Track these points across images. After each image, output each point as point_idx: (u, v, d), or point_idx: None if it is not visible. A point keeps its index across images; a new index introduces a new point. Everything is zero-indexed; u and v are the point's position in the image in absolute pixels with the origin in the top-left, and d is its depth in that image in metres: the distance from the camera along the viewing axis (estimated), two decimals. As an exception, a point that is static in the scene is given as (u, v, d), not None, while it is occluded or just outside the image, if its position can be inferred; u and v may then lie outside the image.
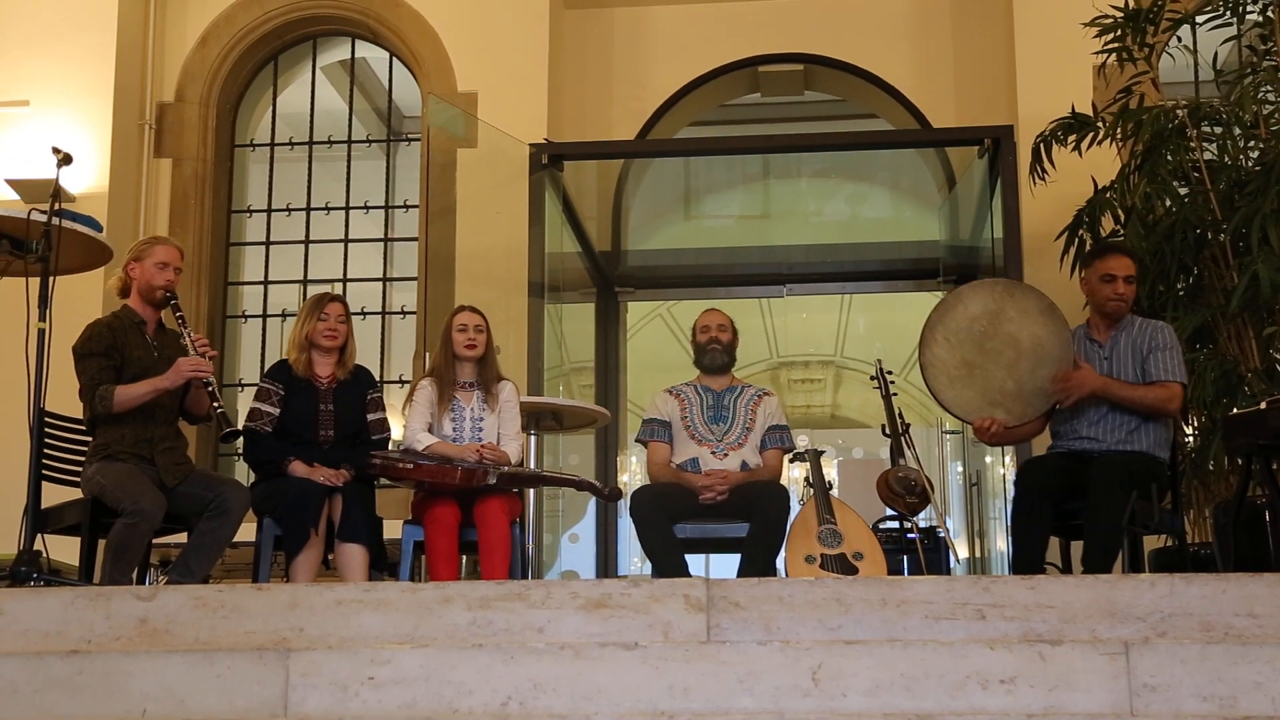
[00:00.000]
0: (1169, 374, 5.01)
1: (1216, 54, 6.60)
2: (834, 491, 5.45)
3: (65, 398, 4.86)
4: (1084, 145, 6.55)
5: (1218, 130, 6.33)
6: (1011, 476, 6.48)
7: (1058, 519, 5.09)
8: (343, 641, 3.34)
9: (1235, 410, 5.29)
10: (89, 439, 4.89)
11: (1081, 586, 3.31)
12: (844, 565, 5.09)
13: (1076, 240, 6.50)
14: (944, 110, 8.41)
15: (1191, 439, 6.31)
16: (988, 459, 8.28)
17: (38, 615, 3.43)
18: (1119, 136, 6.45)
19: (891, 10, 8.62)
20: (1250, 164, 6.23)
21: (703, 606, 3.30)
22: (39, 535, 4.54)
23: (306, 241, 8.58)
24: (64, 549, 5.01)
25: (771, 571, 5.25)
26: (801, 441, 5.90)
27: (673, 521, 5.28)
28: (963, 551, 8.33)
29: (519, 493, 5.43)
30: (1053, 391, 5.01)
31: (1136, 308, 6.16)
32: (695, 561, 5.55)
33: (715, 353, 5.69)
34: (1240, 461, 5.09)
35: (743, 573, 5.16)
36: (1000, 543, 7.94)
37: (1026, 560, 4.89)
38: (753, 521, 5.24)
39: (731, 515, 5.34)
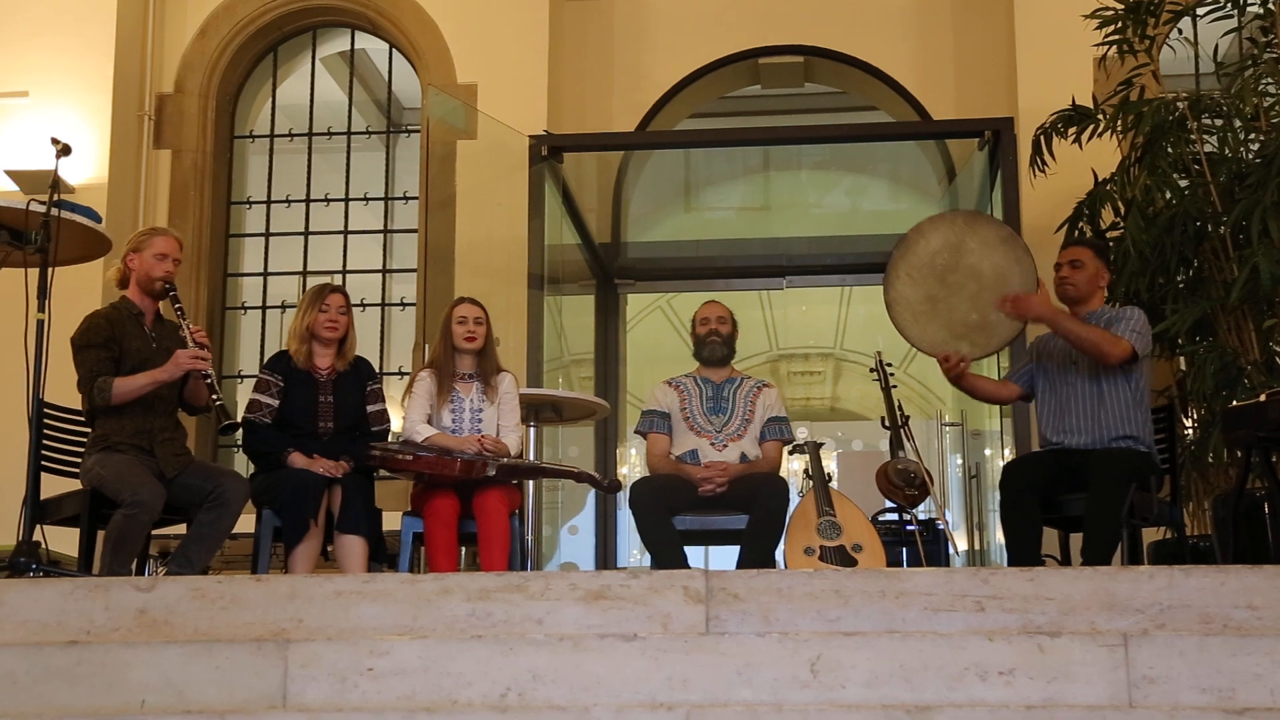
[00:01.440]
0: (1124, 334, 4.98)
1: (1217, 46, 6.59)
2: (833, 483, 5.45)
3: (64, 389, 4.86)
4: (1084, 137, 6.54)
5: (1218, 123, 6.32)
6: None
7: (1053, 510, 5.10)
8: (342, 633, 3.33)
9: (1235, 403, 5.29)
10: (88, 430, 4.89)
11: (1080, 578, 3.31)
12: (843, 557, 5.09)
13: (1076, 232, 6.50)
14: (944, 102, 8.40)
15: (1191, 431, 6.31)
16: (987, 451, 8.29)
17: (37, 606, 3.43)
18: (1119, 129, 6.45)
19: (892, 2, 8.62)
20: (1251, 156, 6.23)
21: (701, 598, 3.29)
22: (38, 526, 4.55)
23: (306, 233, 8.58)
24: (63, 540, 5.02)
25: (771, 563, 5.25)
26: (801, 433, 5.90)
27: (672, 513, 5.28)
28: (962, 544, 8.33)
29: (518, 484, 5.44)
30: (1005, 312, 5.02)
31: (1136, 301, 6.17)
32: (694, 553, 5.56)
33: (715, 345, 5.69)
34: (1240, 454, 5.09)
35: (742, 565, 5.16)
36: (999, 535, 7.94)
37: (1023, 559, 4.90)
38: (752, 513, 5.24)
39: (731, 507, 5.34)
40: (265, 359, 6.01)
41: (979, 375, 5.19)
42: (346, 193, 8.60)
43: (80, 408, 4.91)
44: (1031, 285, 5.05)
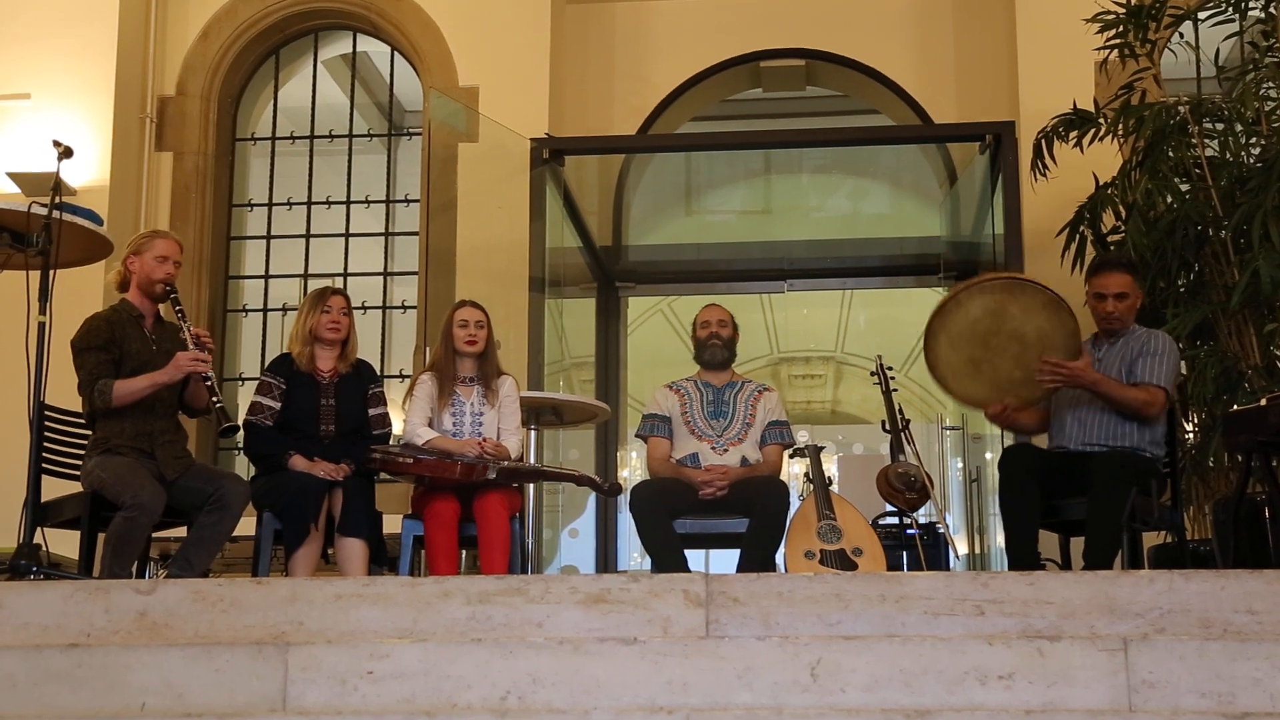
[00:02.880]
0: (1153, 377, 5.01)
1: (1218, 50, 6.59)
2: (834, 487, 5.45)
3: (65, 391, 4.87)
4: (1085, 141, 6.54)
5: (1219, 127, 6.32)
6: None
7: (1053, 514, 5.10)
8: (342, 636, 3.33)
9: (1235, 407, 5.29)
10: (89, 433, 4.90)
11: (1080, 583, 3.30)
12: (843, 561, 5.09)
13: (1078, 237, 6.50)
14: (945, 106, 8.40)
15: (1191, 435, 6.31)
16: (988, 455, 8.28)
17: (37, 609, 3.43)
18: (1120, 133, 6.44)
19: (893, 5, 8.62)
20: (1252, 160, 6.22)
21: (702, 602, 3.30)
22: (39, 529, 4.55)
23: (307, 236, 8.58)
24: (64, 542, 5.02)
25: (771, 567, 5.25)
26: (802, 437, 5.90)
27: (672, 517, 5.28)
28: (962, 547, 8.32)
29: (519, 488, 5.44)
30: (1046, 379, 5.00)
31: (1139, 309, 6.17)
32: (695, 557, 5.55)
33: (715, 348, 5.69)
34: (1240, 458, 5.09)
35: (742, 568, 5.16)
36: (1000, 539, 7.93)
37: (1020, 544, 4.90)
38: (752, 517, 5.24)
39: (731, 511, 5.34)
40: (266, 362, 6.02)
41: (1019, 411, 5.18)
42: (348, 195, 8.61)
43: (81, 410, 4.91)
44: (1075, 347, 5.01)
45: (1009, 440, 7.08)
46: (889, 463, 5.64)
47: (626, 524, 7.83)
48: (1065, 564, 5.37)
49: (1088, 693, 2.99)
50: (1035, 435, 5.61)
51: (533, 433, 6.32)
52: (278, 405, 5.18)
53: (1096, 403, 5.06)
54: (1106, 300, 5.13)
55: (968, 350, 5.08)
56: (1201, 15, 6.57)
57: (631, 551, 9.09)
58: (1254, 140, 6.29)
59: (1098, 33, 6.53)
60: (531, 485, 6.25)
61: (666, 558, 5.19)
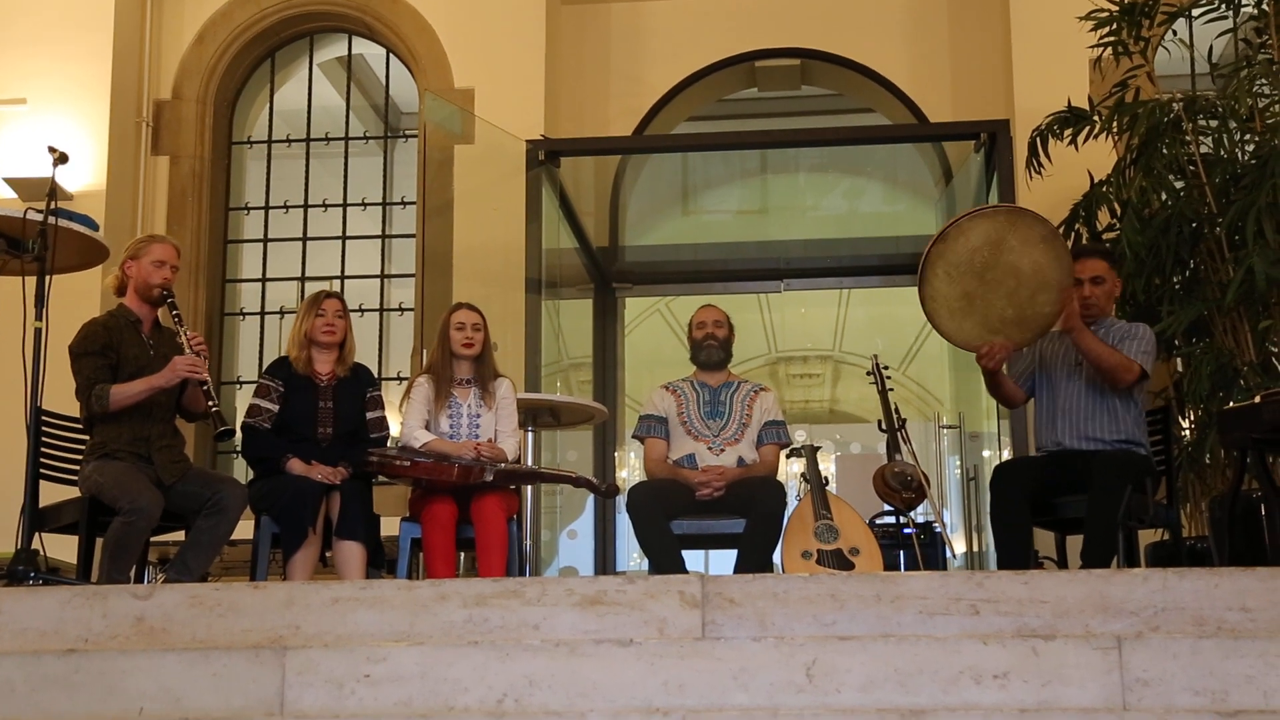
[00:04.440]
0: (1132, 354, 5.02)
1: (1212, 48, 6.60)
2: (831, 487, 5.46)
3: (62, 397, 4.87)
4: (1080, 139, 6.55)
5: (1213, 124, 6.33)
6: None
7: (1049, 513, 5.11)
8: (339, 639, 3.35)
9: (1231, 404, 5.30)
10: (86, 438, 4.90)
11: (1074, 581, 3.32)
12: (840, 561, 5.10)
13: (1073, 234, 6.51)
14: (940, 105, 8.41)
15: (1187, 433, 6.31)
16: (985, 453, 8.29)
17: (35, 614, 3.44)
18: (1115, 130, 6.45)
19: (888, 5, 8.63)
20: (1246, 157, 6.23)
21: (698, 603, 3.31)
22: (36, 534, 4.55)
23: (304, 239, 8.59)
24: (62, 547, 5.02)
25: (768, 567, 5.26)
26: (799, 436, 5.91)
27: (670, 518, 5.29)
28: (960, 546, 8.33)
29: (516, 490, 5.45)
30: (1052, 314, 4.99)
31: (1132, 303, 6.18)
32: (693, 557, 5.57)
33: (711, 349, 5.70)
34: (1236, 455, 5.10)
35: (739, 569, 5.17)
36: (996, 537, 7.95)
37: (1012, 559, 4.91)
38: (749, 517, 5.25)
39: (728, 511, 5.35)
40: (264, 365, 6.03)
41: (1007, 356, 5.17)
42: (344, 198, 8.61)
43: (78, 415, 4.92)
44: (1069, 282, 5.01)
45: (1007, 440, 7.09)
46: (886, 462, 5.65)
47: (625, 525, 7.83)
48: (1062, 562, 5.38)
49: (1082, 692, 3.00)
50: (1008, 406, 5.61)
51: (530, 434, 6.33)
52: (276, 408, 5.19)
53: (1094, 404, 5.06)
54: (1083, 285, 5.15)
55: (963, 284, 5.04)
56: (1195, 12, 6.57)
57: (630, 552, 9.10)
58: (1248, 137, 6.30)
59: (1091, 30, 6.54)
60: (529, 487, 6.25)
61: (664, 559, 5.20)
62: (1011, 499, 5.00)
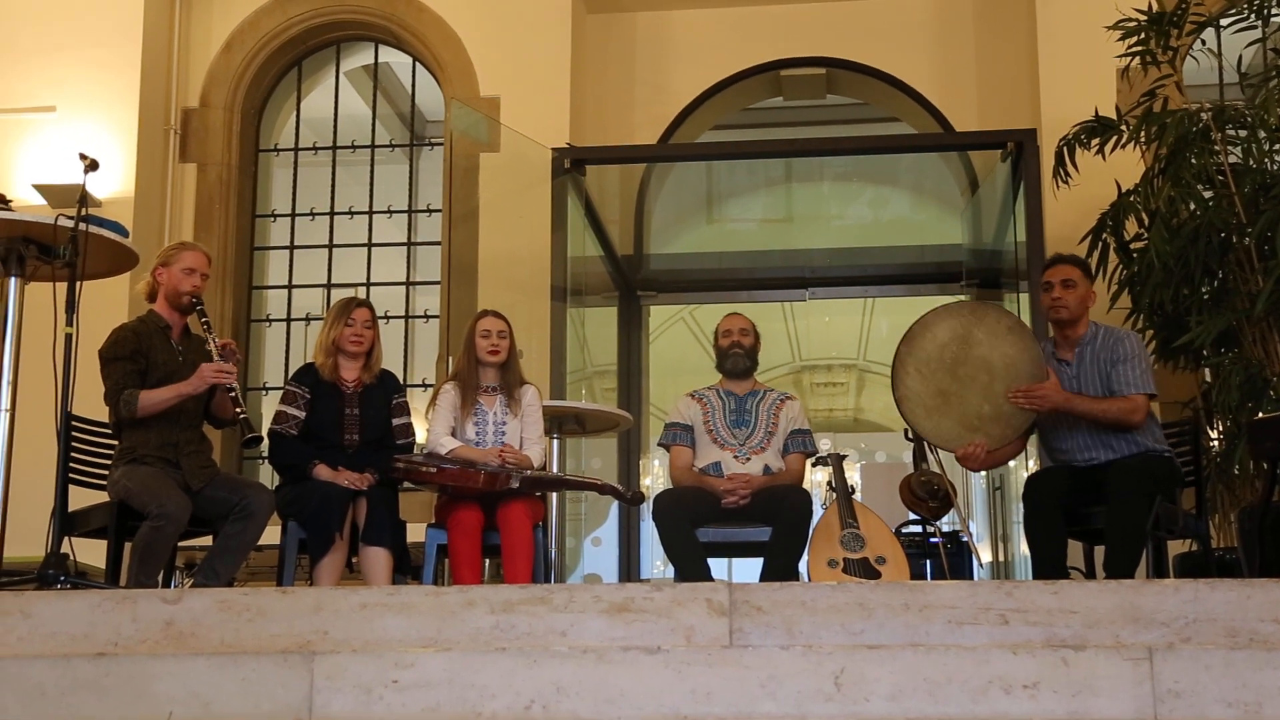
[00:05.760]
0: (1132, 385, 5.02)
1: (1241, 57, 6.57)
2: (856, 496, 5.45)
3: (92, 402, 4.90)
4: (1107, 148, 6.53)
5: (1242, 133, 6.30)
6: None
7: (1076, 523, 5.08)
8: (366, 645, 3.35)
9: (1260, 415, 5.27)
10: (115, 442, 4.93)
11: (1105, 591, 3.30)
12: (866, 570, 5.08)
13: (1100, 244, 6.49)
14: (966, 113, 8.39)
15: (1216, 443, 6.28)
16: (1011, 463, 8.25)
17: (65, 618, 3.46)
18: (1143, 140, 6.43)
19: (913, 13, 8.61)
20: (1275, 167, 6.21)
21: (725, 611, 3.30)
22: (66, 538, 4.58)
23: (330, 246, 8.62)
24: (91, 552, 5.05)
25: (794, 576, 5.25)
26: (824, 445, 5.90)
27: (695, 525, 5.28)
28: (986, 556, 8.30)
29: (541, 496, 5.45)
30: (1019, 405, 5.01)
31: (1160, 313, 6.15)
32: (718, 565, 5.55)
33: (737, 357, 5.69)
34: (1265, 466, 5.07)
35: (765, 577, 5.16)
36: (1024, 547, 7.91)
37: (1048, 571, 4.89)
38: (775, 526, 5.24)
39: (754, 519, 5.34)
40: (290, 372, 6.05)
41: (993, 453, 5.18)
42: (370, 205, 8.64)
43: (107, 420, 4.94)
44: (1041, 374, 5.04)
45: (1033, 449, 7.06)
46: (911, 471, 5.63)
47: (649, 533, 7.83)
48: (1090, 573, 5.35)
49: (1113, 702, 2.98)
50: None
51: (555, 441, 6.34)
52: (302, 415, 5.21)
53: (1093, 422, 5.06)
54: (1053, 288, 5.16)
55: (936, 381, 5.08)
56: (1224, 22, 6.56)
57: (654, 560, 9.10)
58: (1277, 147, 6.27)
59: (1119, 40, 6.52)
60: (554, 494, 6.26)
61: (689, 566, 5.19)
62: (1045, 509, 4.98)
